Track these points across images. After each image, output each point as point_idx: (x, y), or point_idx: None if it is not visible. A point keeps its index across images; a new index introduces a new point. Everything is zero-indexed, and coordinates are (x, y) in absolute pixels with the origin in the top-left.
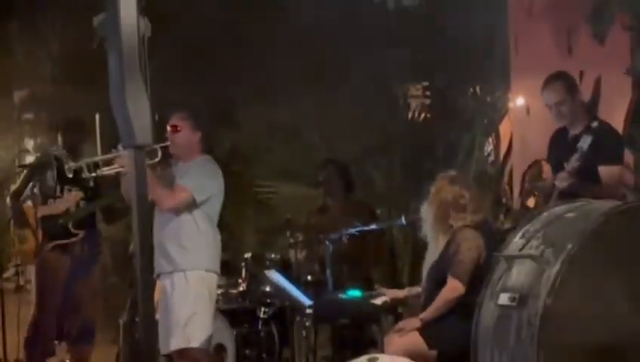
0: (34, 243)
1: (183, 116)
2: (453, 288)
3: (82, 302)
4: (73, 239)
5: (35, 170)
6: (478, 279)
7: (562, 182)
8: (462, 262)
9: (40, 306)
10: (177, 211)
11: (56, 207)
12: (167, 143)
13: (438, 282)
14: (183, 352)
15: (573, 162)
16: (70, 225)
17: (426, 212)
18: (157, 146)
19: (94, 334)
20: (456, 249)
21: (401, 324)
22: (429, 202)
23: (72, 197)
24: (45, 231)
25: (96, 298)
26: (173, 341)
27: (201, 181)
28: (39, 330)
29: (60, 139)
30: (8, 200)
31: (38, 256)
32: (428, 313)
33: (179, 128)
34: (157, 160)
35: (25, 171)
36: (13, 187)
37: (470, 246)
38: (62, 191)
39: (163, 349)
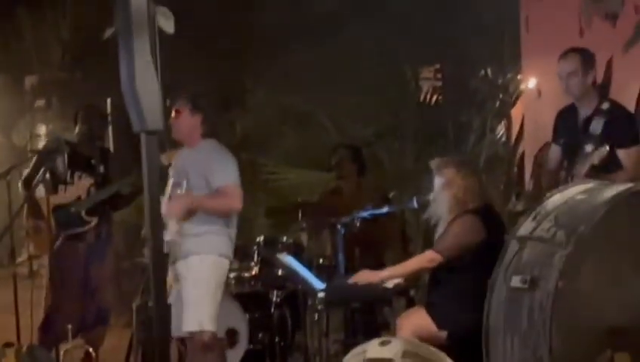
0: (48, 234)
1: (182, 100)
2: (428, 259)
3: (98, 287)
4: (87, 227)
5: (46, 156)
6: (484, 261)
7: (579, 178)
8: (444, 239)
9: (57, 295)
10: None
11: (68, 195)
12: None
13: (440, 268)
14: (194, 336)
15: (594, 158)
16: (83, 213)
17: (439, 199)
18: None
19: (109, 317)
20: (446, 229)
21: (358, 274)
22: (440, 189)
23: (82, 184)
24: (57, 220)
25: (111, 282)
26: (185, 324)
27: (226, 166)
28: (56, 319)
29: (79, 125)
30: (20, 187)
31: (54, 247)
32: (393, 270)
33: (180, 111)
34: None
35: (35, 157)
36: (25, 173)
37: (460, 228)
38: (72, 177)
39: (175, 332)
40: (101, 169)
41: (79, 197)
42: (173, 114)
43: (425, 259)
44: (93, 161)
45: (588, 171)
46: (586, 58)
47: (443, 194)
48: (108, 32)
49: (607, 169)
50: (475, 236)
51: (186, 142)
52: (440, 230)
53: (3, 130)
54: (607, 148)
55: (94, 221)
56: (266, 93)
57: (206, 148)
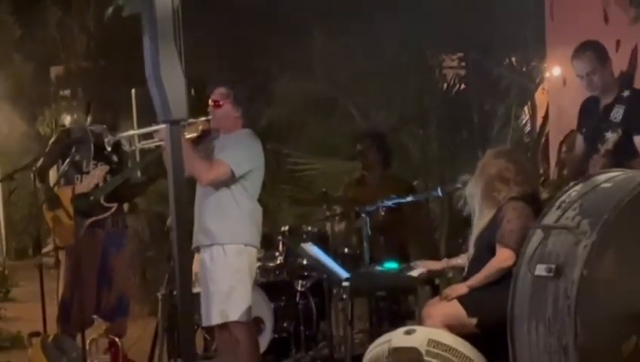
0: (69, 223)
1: (224, 92)
2: (505, 258)
3: (117, 275)
4: (107, 213)
5: (74, 145)
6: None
7: (595, 166)
8: (513, 231)
9: (77, 283)
10: (215, 185)
11: (85, 183)
12: (209, 118)
13: (485, 251)
14: (224, 326)
15: (609, 143)
16: (102, 200)
17: (473, 187)
18: (198, 120)
19: (129, 306)
20: (505, 218)
21: (447, 290)
22: (475, 177)
23: (99, 172)
24: (77, 208)
25: (129, 271)
26: (214, 315)
27: (240, 155)
28: (74, 307)
29: (91, 115)
30: (34, 177)
31: (77, 235)
32: (476, 280)
33: (220, 103)
34: (196, 134)
35: (48, 149)
36: (39, 162)
37: (519, 215)
38: (87, 166)
39: (205, 322)
40: (114, 157)
41: (96, 186)
42: (210, 103)
43: (501, 260)
44: (106, 151)
45: (603, 157)
46: (601, 52)
47: (475, 183)
48: (127, 10)
49: (623, 155)
50: (529, 223)
51: (225, 131)
52: (477, 215)
53: (29, 120)
54: (621, 131)
55: (114, 207)
56: (290, 80)
57: (240, 135)
